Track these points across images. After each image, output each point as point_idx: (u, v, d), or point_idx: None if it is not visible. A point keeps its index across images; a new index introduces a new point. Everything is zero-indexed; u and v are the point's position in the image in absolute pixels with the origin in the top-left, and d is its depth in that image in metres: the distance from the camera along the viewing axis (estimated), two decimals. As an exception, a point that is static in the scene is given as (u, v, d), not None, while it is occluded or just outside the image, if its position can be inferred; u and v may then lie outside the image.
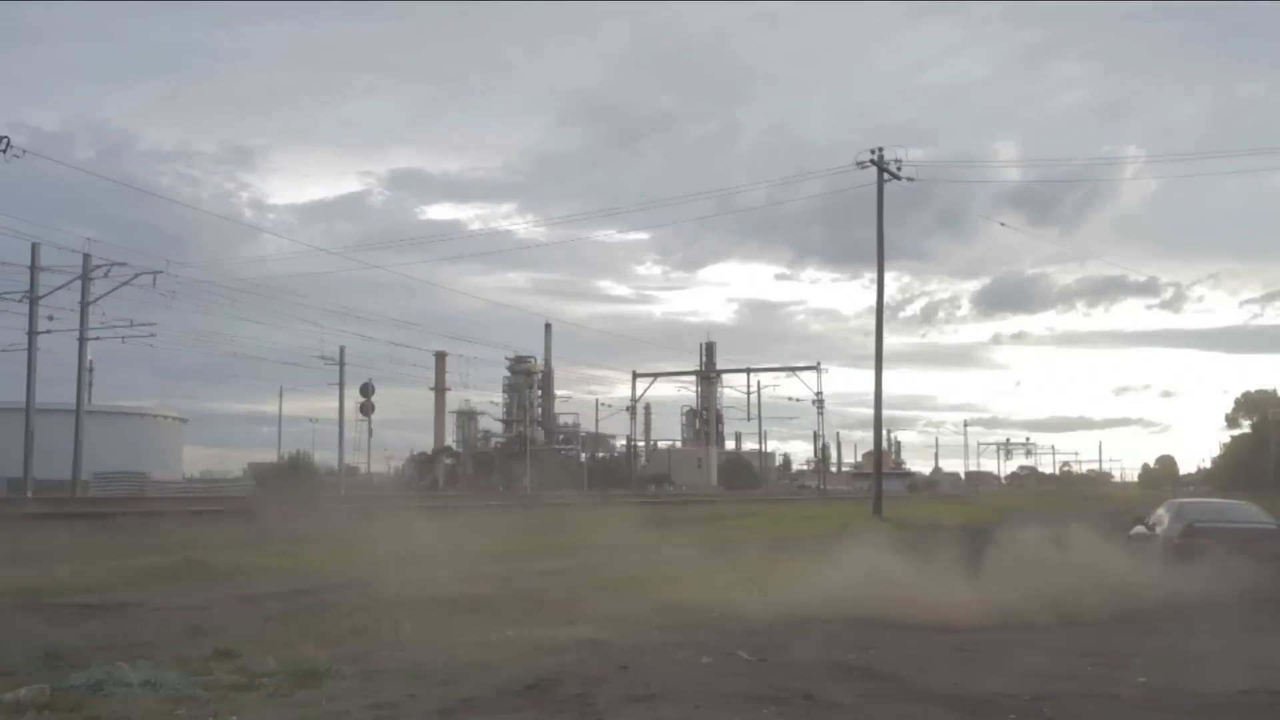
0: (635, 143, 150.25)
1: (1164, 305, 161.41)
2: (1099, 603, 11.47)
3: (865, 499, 48.73)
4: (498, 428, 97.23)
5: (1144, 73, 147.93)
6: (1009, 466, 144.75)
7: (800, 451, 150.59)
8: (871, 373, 37.64)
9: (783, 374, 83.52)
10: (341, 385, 55.12)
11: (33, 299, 36.87)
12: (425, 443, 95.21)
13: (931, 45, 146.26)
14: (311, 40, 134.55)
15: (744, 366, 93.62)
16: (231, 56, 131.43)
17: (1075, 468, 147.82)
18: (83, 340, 38.76)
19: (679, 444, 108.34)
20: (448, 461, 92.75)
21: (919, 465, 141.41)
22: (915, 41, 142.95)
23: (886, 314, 39.56)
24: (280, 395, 70.23)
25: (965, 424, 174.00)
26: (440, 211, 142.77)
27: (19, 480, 37.08)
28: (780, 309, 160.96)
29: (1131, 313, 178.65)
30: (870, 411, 41.21)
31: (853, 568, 13.47)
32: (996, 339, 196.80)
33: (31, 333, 36.95)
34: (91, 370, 50.57)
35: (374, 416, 57.64)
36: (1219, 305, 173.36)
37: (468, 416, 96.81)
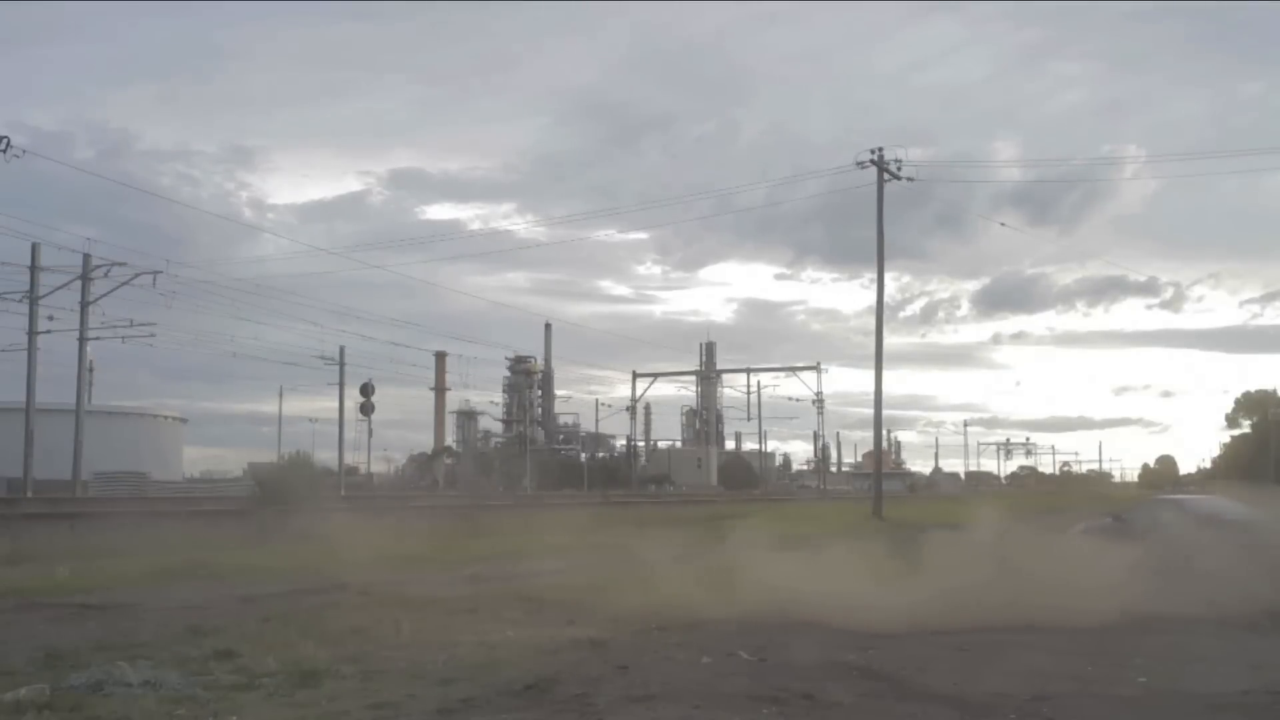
0: (635, 142, 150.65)
1: (1164, 305, 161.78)
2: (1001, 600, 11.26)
3: (864, 499, 48.79)
4: (498, 428, 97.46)
5: (1144, 73, 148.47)
6: (1009, 467, 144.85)
7: (800, 451, 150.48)
8: (871, 373, 37.68)
9: (783, 374, 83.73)
10: (341, 385, 55.18)
11: (33, 299, 36.86)
12: (425, 443, 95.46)
13: (931, 45, 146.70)
14: (312, 40, 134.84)
15: (744, 366, 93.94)
16: (231, 56, 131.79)
17: (1075, 468, 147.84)
18: (83, 340, 38.77)
19: (679, 444, 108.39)
20: (448, 461, 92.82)
21: (919, 465, 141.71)
22: (915, 41, 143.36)
23: (886, 314, 39.66)
24: (280, 395, 70.34)
25: (965, 424, 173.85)
26: (440, 211, 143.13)
27: (19, 480, 37.07)
28: (780, 309, 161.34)
29: (1131, 313, 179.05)
30: (870, 411, 41.20)
31: (796, 570, 13.36)
32: (996, 339, 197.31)
33: (31, 333, 36.94)
34: (91, 370, 50.61)
35: (374, 416, 57.74)
36: (1219, 305, 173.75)
37: (468, 416, 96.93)
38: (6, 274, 36.89)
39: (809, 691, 7.49)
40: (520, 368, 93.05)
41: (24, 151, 32.28)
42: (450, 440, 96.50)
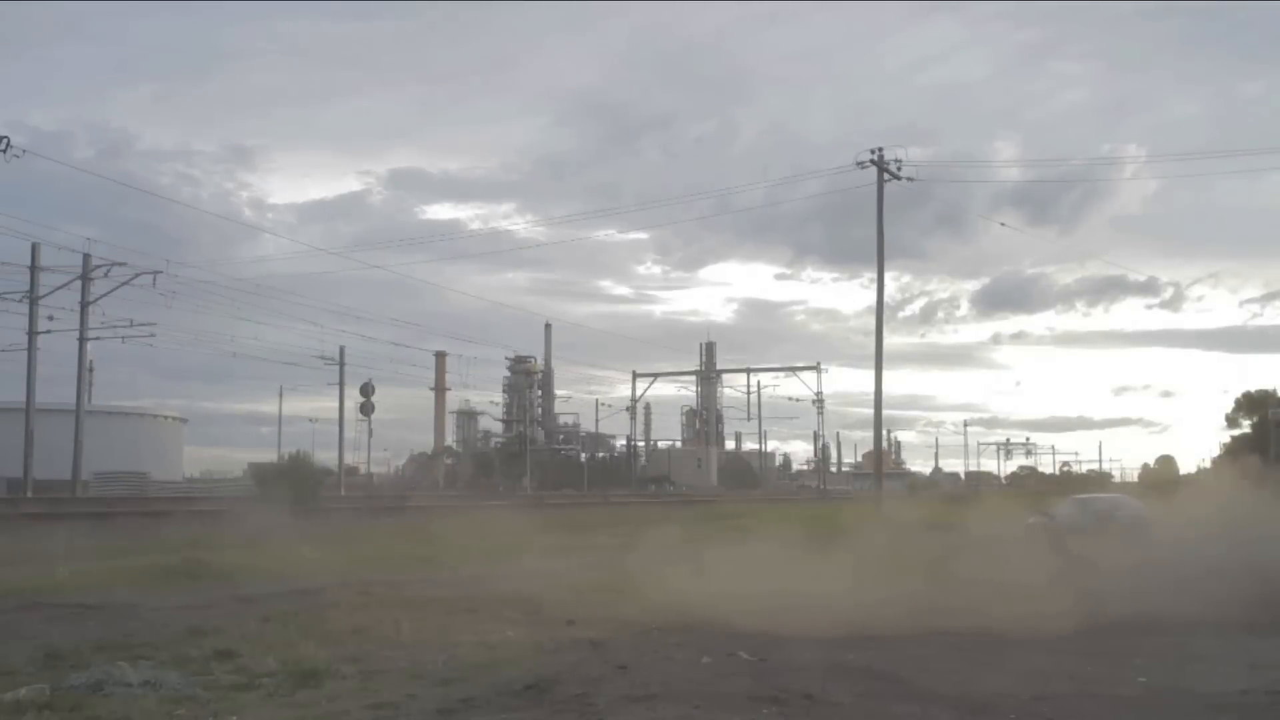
0: (635, 142, 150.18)
1: (1164, 305, 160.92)
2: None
3: (864, 499, 48.72)
4: (498, 428, 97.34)
5: (1144, 73, 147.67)
6: (1009, 466, 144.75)
7: (800, 451, 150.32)
8: (871, 373, 37.64)
9: (783, 374, 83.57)
10: (341, 385, 55.14)
11: (33, 299, 36.84)
12: (425, 443, 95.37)
13: (932, 45, 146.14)
14: (311, 40, 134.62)
15: (744, 366, 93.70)
16: (231, 56, 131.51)
17: (1075, 468, 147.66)
18: (83, 340, 38.74)
19: (679, 444, 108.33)
20: (448, 461, 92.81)
21: (919, 465, 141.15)
22: (915, 41, 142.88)
23: (886, 314, 39.55)
24: (280, 395, 70.28)
25: (965, 424, 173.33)
26: (440, 211, 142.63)
27: (19, 480, 37.07)
28: (780, 309, 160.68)
29: (1131, 312, 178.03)
30: (870, 411, 41.18)
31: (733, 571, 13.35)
32: (996, 339, 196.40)
33: (31, 333, 36.93)
34: (91, 370, 50.62)
35: (374, 416, 57.77)
36: (1219, 305, 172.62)
37: (468, 416, 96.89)
38: (6, 274, 36.90)
39: (809, 691, 7.49)
40: (520, 368, 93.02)
41: (24, 151, 32.23)
42: (450, 440, 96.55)
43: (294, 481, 30.95)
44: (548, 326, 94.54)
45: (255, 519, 22.85)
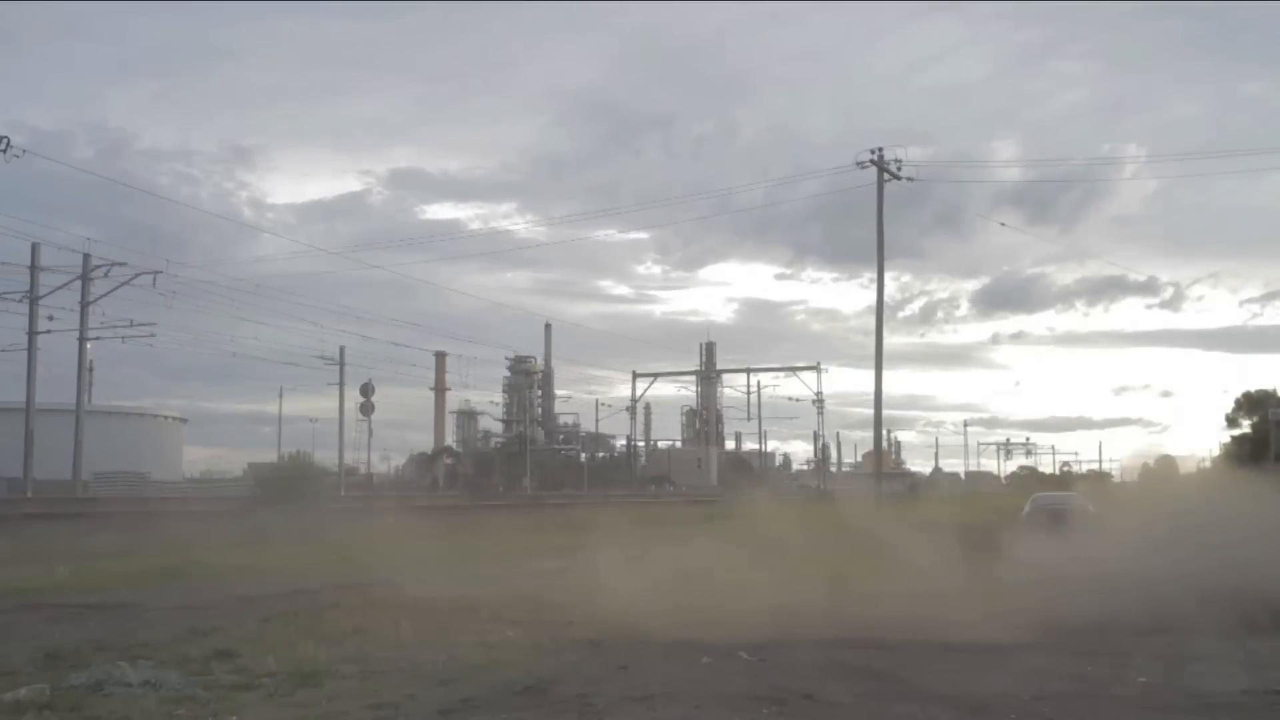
0: (635, 142, 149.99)
1: (1163, 305, 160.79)
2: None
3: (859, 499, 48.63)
4: (498, 428, 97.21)
5: (1144, 73, 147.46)
6: (1009, 466, 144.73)
7: (800, 451, 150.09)
8: (871, 372, 37.62)
9: (783, 374, 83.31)
10: (341, 385, 55.07)
11: (33, 299, 36.83)
12: (425, 443, 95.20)
13: (931, 45, 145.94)
14: (311, 40, 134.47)
15: (744, 366, 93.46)
16: (231, 56, 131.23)
17: (1075, 468, 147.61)
18: (83, 340, 38.73)
19: (679, 444, 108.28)
20: (448, 461, 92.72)
21: (919, 465, 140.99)
22: (915, 41, 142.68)
23: (886, 314, 39.55)
24: (280, 395, 70.13)
25: (965, 424, 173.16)
26: (440, 211, 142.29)
27: (19, 480, 37.05)
28: (780, 309, 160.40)
29: (1131, 312, 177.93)
30: (870, 411, 41.15)
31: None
32: (996, 339, 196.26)
33: (31, 333, 36.92)
34: (91, 370, 50.57)
35: (374, 416, 57.62)
36: (1219, 305, 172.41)
37: (468, 416, 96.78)
38: (6, 274, 36.85)
39: (809, 691, 7.49)
40: (520, 368, 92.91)
41: (24, 151, 32.20)
42: (450, 440, 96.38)
43: (294, 482, 30.96)
44: (548, 326, 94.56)
45: (255, 519, 22.88)
